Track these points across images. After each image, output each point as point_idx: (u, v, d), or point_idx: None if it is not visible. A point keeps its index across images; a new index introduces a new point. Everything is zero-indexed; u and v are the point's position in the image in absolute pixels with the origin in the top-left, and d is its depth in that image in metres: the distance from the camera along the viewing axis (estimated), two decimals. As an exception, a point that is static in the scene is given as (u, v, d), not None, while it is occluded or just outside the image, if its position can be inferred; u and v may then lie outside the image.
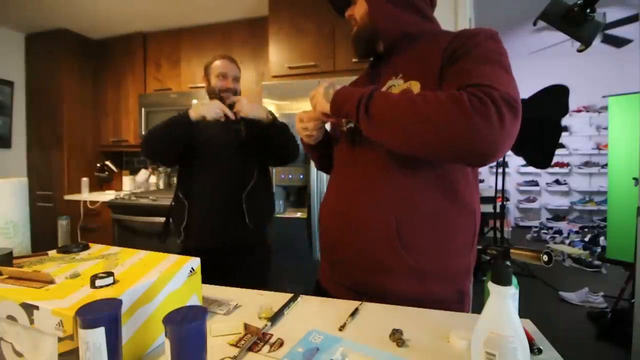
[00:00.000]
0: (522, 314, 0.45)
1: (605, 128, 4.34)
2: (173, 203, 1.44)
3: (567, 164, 5.01)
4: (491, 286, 0.41)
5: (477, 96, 0.55)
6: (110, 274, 0.52)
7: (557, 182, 5.09)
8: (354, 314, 0.64)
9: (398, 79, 0.72)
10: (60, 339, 0.44)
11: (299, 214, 2.14)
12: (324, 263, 0.86)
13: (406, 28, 0.74)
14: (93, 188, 3.09)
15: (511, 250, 0.55)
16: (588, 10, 1.16)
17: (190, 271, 0.62)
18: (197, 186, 1.37)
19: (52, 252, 0.69)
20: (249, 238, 1.39)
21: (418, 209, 0.69)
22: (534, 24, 1.32)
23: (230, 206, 1.34)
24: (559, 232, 4.72)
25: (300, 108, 2.13)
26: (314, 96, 0.78)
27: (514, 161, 5.08)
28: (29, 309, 0.46)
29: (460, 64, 0.63)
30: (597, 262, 3.45)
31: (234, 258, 1.35)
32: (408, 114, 0.59)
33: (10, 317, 0.47)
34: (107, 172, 3.19)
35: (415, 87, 0.68)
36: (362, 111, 0.64)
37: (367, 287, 0.73)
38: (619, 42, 3.33)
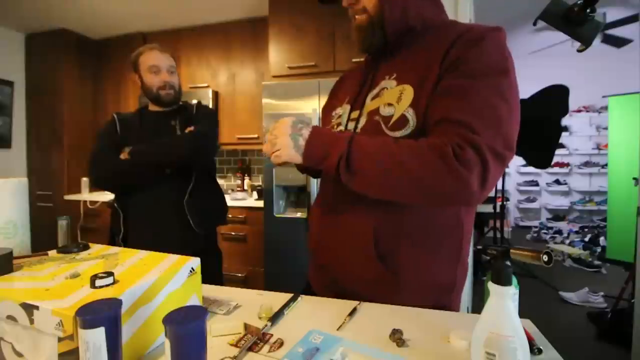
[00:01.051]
0: (522, 314, 0.45)
1: (605, 128, 4.34)
2: (111, 211, 1.34)
3: (567, 164, 5.01)
4: (491, 286, 0.41)
5: (462, 154, 0.53)
6: (110, 274, 0.52)
7: (557, 182, 5.09)
8: (352, 314, 0.64)
9: (391, 79, 0.69)
10: (60, 339, 0.44)
11: (299, 214, 2.15)
12: (311, 265, 0.85)
13: (411, 22, 0.68)
14: (93, 188, 3.09)
15: (511, 250, 0.55)
16: (588, 10, 1.17)
17: (190, 271, 0.62)
18: (132, 195, 1.27)
19: (52, 252, 0.69)
20: (197, 245, 1.26)
21: (398, 219, 0.66)
22: (534, 24, 1.32)
23: (171, 214, 1.25)
24: (559, 232, 4.72)
25: (300, 108, 2.13)
26: (275, 138, 0.65)
27: (514, 161, 5.07)
28: (29, 309, 0.46)
29: (456, 80, 0.59)
30: (597, 262, 3.45)
31: None
32: (394, 171, 0.57)
33: (10, 317, 0.47)
34: (107, 172, 3.19)
35: (408, 91, 0.64)
36: (343, 169, 0.60)
37: (346, 292, 0.72)
38: (619, 42, 3.33)
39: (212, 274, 1.22)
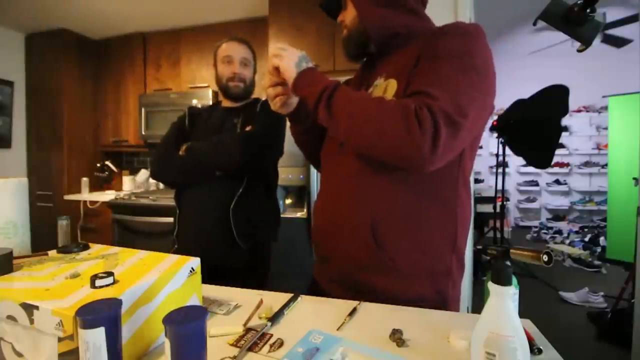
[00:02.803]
0: (522, 314, 0.45)
1: (605, 128, 4.34)
2: None
3: (567, 164, 5.01)
4: (491, 286, 0.41)
5: (420, 114, 0.56)
6: (110, 274, 0.52)
7: (557, 182, 5.09)
8: (352, 313, 0.64)
9: (381, 78, 0.74)
10: (60, 339, 0.44)
11: (299, 214, 2.14)
12: (315, 259, 0.88)
13: (396, 29, 0.75)
14: (93, 188, 3.09)
15: (511, 250, 0.55)
16: (588, 10, 1.17)
17: (190, 271, 0.62)
18: (186, 192, 1.23)
19: (52, 252, 0.69)
20: (240, 259, 1.18)
21: (394, 208, 0.69)
22: (534, 24, 1.32)
23: (216, 220, 1.15)
24: (559, 232, 4.72)
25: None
26: (281, 53, 0.75)
27: (514, 161, 5.08)
28: (29, 309, 0.46)
29: (425, 63, 0.65)
30: (597, 262, 3.45)
31: (219, 281, 1.15)
32: (361, 115, 0.63)
33: (10, 317, 0.47)
34: (107, 172, 3.19)
35: (392, 84, 0.69)
36: (324, 102, 0.66)
37: (351, 283, 0.75)
38: (619, 42, 3.33)
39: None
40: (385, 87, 0.71)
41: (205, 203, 1.19)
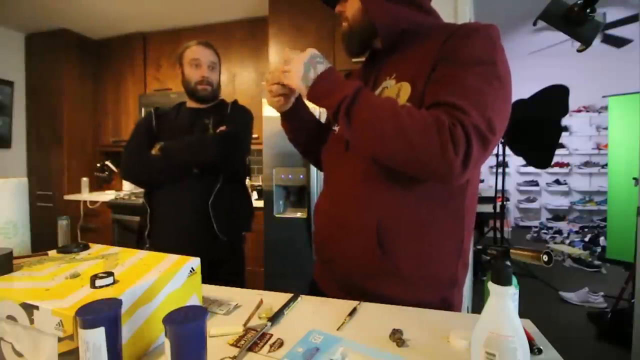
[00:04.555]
0: (522, 314, 0.45)
1: (605, 128, 4.34)
2: (142, 205, 1.33)
3: (567, 164, 5.01)
4: (491, 286, 0.41)
5: (454, 131, 0.55)
6: (110, 274, 0.52)
7: (557, 182, 5.09)
8: (352, 314, 0.64)
9: (391, 79, 0.71)
10: (60, 339, 0.44)
11: (299, 214, 2.14)
12: (317, 260, 0.87)
13: (404, 24, 0.71)
14: (93, 188, 3.09)
15: (511, 250, 0.55)
16: (588, 10, 1.17)
17: (191, 271, 0.62)
18: (159, 191, 1.26)
19: (52, 252, 0.69)
20: (220, 251, 1.25)
21: (401, 214, 0.68)
22: (534, 24, 1.33)
23: (195, 215, 1.22)
24: (559, 232, 4.72)
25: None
26: (289, 62, 0.70)
27: (514, 161, 5.08)
28: (29, 309, 0.46)
29: (447, 69, 0.62)
30: (597, 262, 3.46)
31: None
32: (390, 125, 0.58)
33: (10, 317, 0.47)
34: (107, 172, 3.19)
35: (406, 88, 0.66)
36: (343, 113, 0.62)
37: (353, 286, 0.74)
38: (619, 42, 3.33)
39: (234, 282, 1.14)
40: (398, 91, 0.67)
41: (182, 200, 1.23)
